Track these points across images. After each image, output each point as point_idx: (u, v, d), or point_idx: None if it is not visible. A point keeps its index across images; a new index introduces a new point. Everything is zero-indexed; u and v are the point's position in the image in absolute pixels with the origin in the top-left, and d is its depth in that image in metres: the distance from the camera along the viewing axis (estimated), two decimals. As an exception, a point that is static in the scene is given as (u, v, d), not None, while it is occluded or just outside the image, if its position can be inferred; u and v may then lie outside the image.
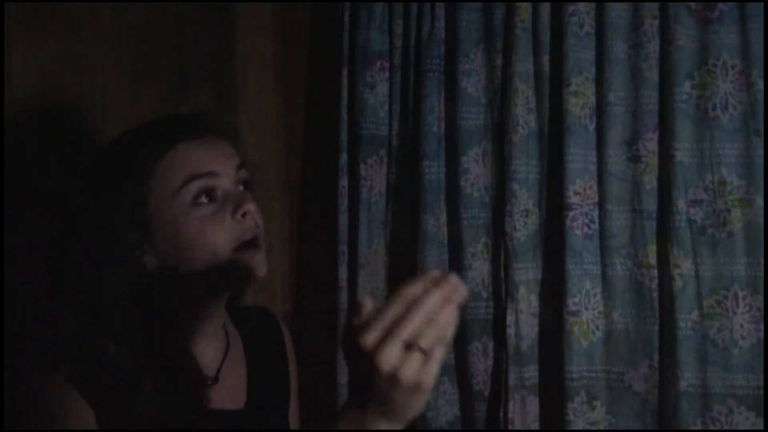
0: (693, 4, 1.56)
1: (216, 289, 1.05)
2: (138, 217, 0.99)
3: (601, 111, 1.62)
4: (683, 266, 1.56)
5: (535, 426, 1.66)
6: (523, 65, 1.64)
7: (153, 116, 1.09)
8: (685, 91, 1.56)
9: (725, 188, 1.55)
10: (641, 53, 1.59)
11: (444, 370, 1.70)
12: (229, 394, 1.09)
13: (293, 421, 1.22)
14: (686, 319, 1.56)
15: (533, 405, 1.66)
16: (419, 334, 0.74)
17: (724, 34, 1.55)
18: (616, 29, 1.60)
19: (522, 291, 1.65)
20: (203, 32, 1.69)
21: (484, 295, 1.69)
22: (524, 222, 1.65)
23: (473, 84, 1.68)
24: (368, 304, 0.77)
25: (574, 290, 1.61)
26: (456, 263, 1.69)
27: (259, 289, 1.66)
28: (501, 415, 1.65)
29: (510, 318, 1.64)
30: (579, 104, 1.62)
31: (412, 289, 0.76)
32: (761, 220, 1.54)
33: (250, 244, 1.01)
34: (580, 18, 1.61)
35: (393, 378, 0.74)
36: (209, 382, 1.07)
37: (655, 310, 1.60)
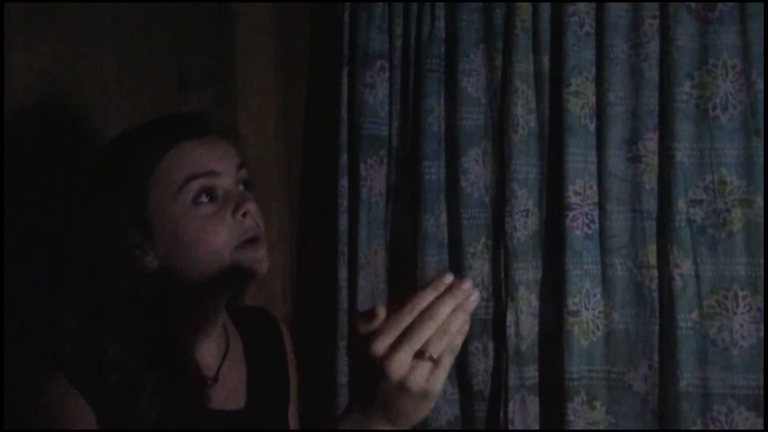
0: (693, 4, 1.56)
1: (217, 288, 1.05)
2: (138, 216, 0.99)
3: (601, 111, 1.62)
4: (683, 266, 1.56)
5: (535, 426, 1.66)
6: (523, 65, 1.64)
7: (153, 116, 1.09)
8: (685, 91, 1.56)
9: (725, 188, 1.56)
10: (641, 53, 1.59)
11: (444, 370, 1.70)
12: (228, 394, 1.09)
13: (293, 422, 1.22)
14: (686, 319, 1.56)
15: (533, 405, 1.66)
16: (430, 342, 0.74)
17: (724, 34, 1.55)
18: (616, 29, 1.60)
19: (522, 291, 1.65)
20: (203, 32, 1.69)
21: (484, 295, 1.69)
22: (524, 222, 1.65)
23: (473, 84, 1.68)
24: (380, 313, 0.77)
25: (574, 290, 1.61)
26: (456, 263, 1.69)
27: (259, 289, 1.66)
28: (501, 415, 1.65)
29: (510, 318, 1.64)
30: (579, 104, 1.62)
31: (425, 297, 0.76)
32: (761, 220, 1.54)
33: (251, 241, 1.01)
34: (580, 18, 1.62)
35: (402, 385, 0.74)
36: (209, 382, 1.06)
37: (655, 310, 1.60)
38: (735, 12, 1.54)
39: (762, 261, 1.54)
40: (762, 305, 1.53)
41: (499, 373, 1.68)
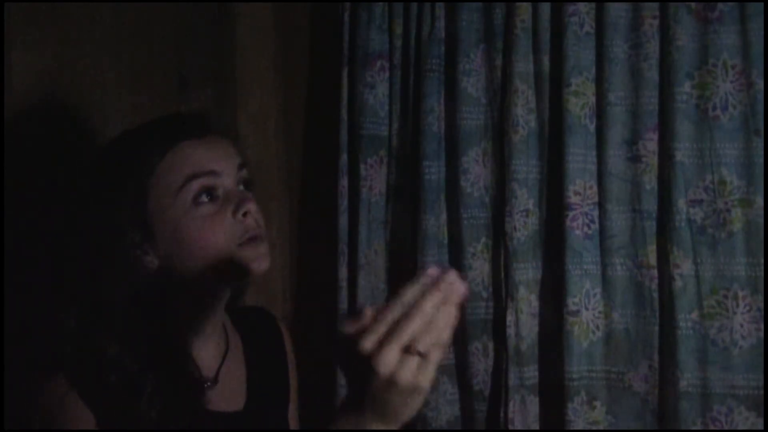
0: (693, 4, 1.56)
1: (217, 288, 1.05)
2: (138, 216, 0.99)
3: (601, 111, 1.61)
4: (683, 266, 1.56)
5: (535, 426, 1.66)
6: (523, 65, 1.64)
7: (153, 116, 1.09)
8: (685, 91, 1.56)
9: (725, 188, 1.55)
10: (641, 53, 1.59)
11: (444, 370, 1.70)
12: (228, 395, 1.09)
13: (293, 422, 1.22)
14: (686, 319, 1.56)
15: (533, 405, 1.66)
16: (417, 337, 0.74)
17: (724, 34, 1.55)
18: (616, 29, 1.60)
19: (522, 291, 1.65)
20: (203, 32, 1.70)
21: (484, 295, 1.69)
22: (524, 222, 1.65)
23: (473, 84, 1.68)
24: (367, 312, 0.77)
25: (574, 290, 1.61)
26: (456, 263, 1.69)
27: (259, 289, 1.66)
28: (501, 415, 1.65)
29: (510, 318, 1.64)
30: (579, 104, 1.62)
31: (411, 293, 0.76)
32: (761, 220, 1.54)
33: (251, 240, 1.01)
34: (580, 18, 1.61)
35: (391, 381, 0.74)
36: (208, 383, 1.06)
37: (655, 310, 1.59)
38: (735, 12, 1.54)
39: (762, 261, 1.53)
40: (762, 305, 1.53)
41: (499, 373, 1.68)
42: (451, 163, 1.70)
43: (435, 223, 1.69)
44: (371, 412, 0.78)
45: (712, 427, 1.55)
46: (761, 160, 1.53)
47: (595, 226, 1.63)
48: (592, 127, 1.63)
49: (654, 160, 1.60)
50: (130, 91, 1.39)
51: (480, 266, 1.69)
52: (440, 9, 1.69)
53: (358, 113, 1.73)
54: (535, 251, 1.67)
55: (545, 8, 1.63)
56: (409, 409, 0.78)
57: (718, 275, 1.56)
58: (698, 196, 1.57)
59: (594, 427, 1.61)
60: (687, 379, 1.55)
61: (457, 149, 1.68)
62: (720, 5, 1.55)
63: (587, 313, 1.62)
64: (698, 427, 1.55)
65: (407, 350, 0.74)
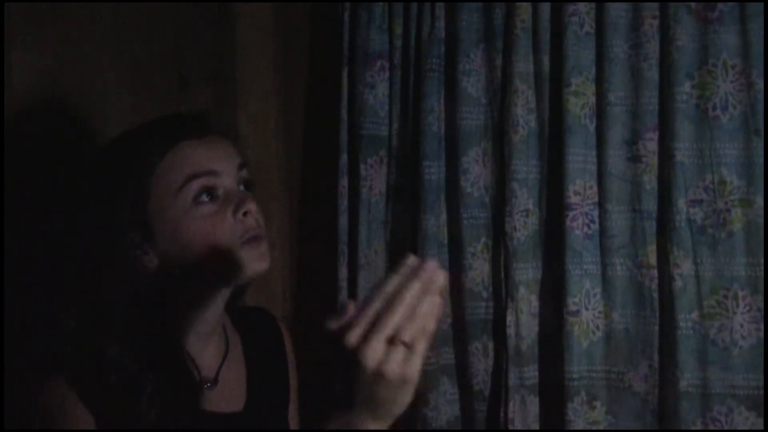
0: (693, 4, 1.56)
1: (217, 288, 1.05)
2: (139, 216, 0.99)
3: (601, 111, 1.61)
4: (683, 266, 1.56)
5: (535, 426, 1.66)
6: (523, 65, 1.64)
7: (153, 116, 1.09)
8: (685, 91, 1.56)
9: (725, 188, 1.55)
10: (641, 53, 1.59)
11: (444, 370, 1.70)
12: (228, 395, 1.09)
13: (293, 422, 1.22)
14: (686, 319, 1.56)
15: (533, 405, 1.66)
16: (401, 328, 0.74)
17: (724, 34, 1.54)
18: (616, 29, 1.60)
19: (522, 291, 1.65)
20: (203, 32, 1.70)
21: (484, 295, 1.69)
22: (524, 222, 1.65)
23: (473, 84, 1.68)
24: (350, 307, 0.77)
25: (574, 290, 1.61)
26: (456, 263, 1.69)
27: (259, 289, 1.66)
28: (501, 415, 1.65)
29: (510, 318, 1.64)
30: (579, 104, 1.62)
31: (391, 284, 0.76)
32: (761, 220, 1.54)
33: (252, 240, 1.01)
34: (580, 18, 1.61)
35: (378, 373, 0.74)
36: (208, 383, 1.06)
37: (655, 310, 1.59)
38: (735, 12, 1.54)
39: (762, 261, 1.53)
40: (762, 305, 1.53)
41: (499, 373, 1.68)
42: (451, 163, 1.70)
43: (435, 223, 1.69)
44: (362, 409, 0.78)
45: (712, 427, 1.55)
46: (761, 160, 1.53)
47: (595, 226, 1.63)
48: (592, 127, 1.63)
49: (654, 160, 1.60)
50: (130, 91, 1.39)
51: (480, 266, 1.69)
52: (440, 9, 1.69)
53: (358, 113, 1.73)
54: (535, 251, 1.67)
55: (545, 8, 1.63)
56: (400, 403, 0.78)
57: (718, 275, 1.56)
58: (698, 196, 1.57)
59: (594, 427, 1.61)
60: (687, 379, 1.55)
61: (457, 149, 1.68)
62: (720, 5, 1.54)
63: (587, 313, 1.62)
64: (698, 427, 1.55)
65: (392, 342, 0.74)
